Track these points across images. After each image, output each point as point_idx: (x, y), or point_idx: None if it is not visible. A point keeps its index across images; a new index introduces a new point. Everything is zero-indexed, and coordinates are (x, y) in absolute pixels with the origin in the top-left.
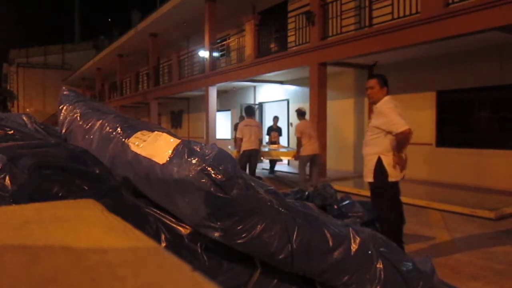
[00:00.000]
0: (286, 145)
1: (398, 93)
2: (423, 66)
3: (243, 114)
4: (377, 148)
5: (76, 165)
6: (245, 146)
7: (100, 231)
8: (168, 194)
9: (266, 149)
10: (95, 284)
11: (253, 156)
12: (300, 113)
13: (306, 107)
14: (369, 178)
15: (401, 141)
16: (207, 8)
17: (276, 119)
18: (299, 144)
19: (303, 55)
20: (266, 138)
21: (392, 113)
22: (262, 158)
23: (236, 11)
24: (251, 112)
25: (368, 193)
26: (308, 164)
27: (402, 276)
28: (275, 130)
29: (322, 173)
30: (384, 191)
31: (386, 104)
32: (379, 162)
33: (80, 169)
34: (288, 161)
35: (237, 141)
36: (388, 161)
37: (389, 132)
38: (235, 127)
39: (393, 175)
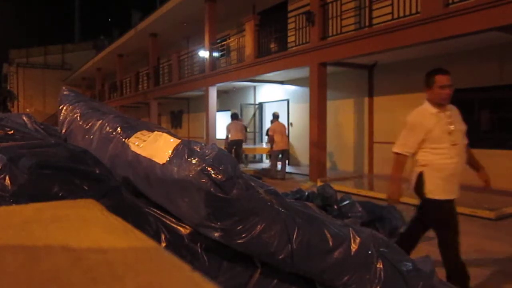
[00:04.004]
0: None
1: (398, 93)
2: (423, 66)
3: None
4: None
5: (76, 165)
6: (232, 137)
7: (100, 231)
8: (168, 194)
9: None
10: (95, 284)
11: (238, 145)
12: (275, 116)
13: (306, 107)
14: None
15: None
16: (207, 8)
17: None
18: (271, 140)
19: (303, 55)
20: (265, 138)
21: None
22: (244, 152)
23: (236, 11)
24: (236, 116)
25: (368, 193)
26: (280, 157)
27: (402, 276)
28: None
29: (322, 173)
30: None
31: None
32: None
33: (80, 169)
34: (288, 160)
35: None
36: None
37: None
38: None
39: None
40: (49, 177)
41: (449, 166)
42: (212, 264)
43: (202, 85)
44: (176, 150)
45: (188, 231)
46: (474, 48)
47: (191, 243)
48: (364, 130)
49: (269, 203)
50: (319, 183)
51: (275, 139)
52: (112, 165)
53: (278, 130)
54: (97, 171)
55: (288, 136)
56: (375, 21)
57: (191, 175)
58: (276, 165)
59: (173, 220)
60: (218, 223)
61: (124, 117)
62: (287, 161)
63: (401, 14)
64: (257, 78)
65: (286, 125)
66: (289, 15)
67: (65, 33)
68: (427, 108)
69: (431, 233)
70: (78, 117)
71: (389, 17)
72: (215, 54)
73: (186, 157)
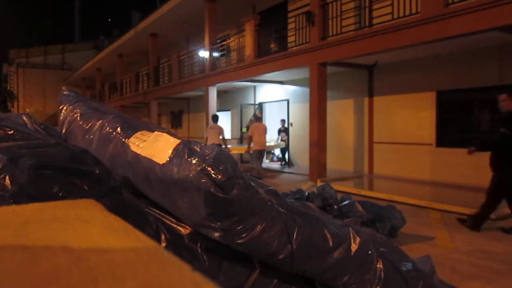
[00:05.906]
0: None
1: (398, 93)
2: (423, 66)
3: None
4: None
5: (76, 165)
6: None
7: (100, 231)
8: (168, 194)
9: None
10: (95, 284)
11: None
12: (256, 118)
13: (306, 107)
14: None
15: None
16: (207, 8)
17: (283, 122)
18: (250, 140)
19: (303, 55)
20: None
21: None
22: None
23: (236, 11)
24: (216, 119)
25: (368, 193)
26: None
27: (402, 276)
28: (283, 131)
29: (322, 173)
30: None
31: None
32: None
33: (80, 169)
34: (289, 161)
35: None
36: None
37: None
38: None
39: None
40: (49, 177)
41: None
42: (212, 264)
43: (202, 85)
44: (176, 150)
45: (188, 231)
46: (474, 48)
47: (191, 243)
48: (364, 130)
49: (269, 203)
50: (319, 183)
51: (254, 139)
52: (112, 165)
53: (256, 131)
54: (97, 171)
55: (288, 135)
56: (375, 21)
57: (191, 175)
58: (259, 163)
59: (173, 220)
60: (218, 223)
61: (124, 117)
62: (263, 160)
63: (401, 14)
64: (257, 78)
65: (283, 126)
66: (289, 15)
67: (65, 33)
68: None
69: (431, 233)
70: (78, 117)
71: (389, 17)
72: (215, 54)
73: (186, 157)
